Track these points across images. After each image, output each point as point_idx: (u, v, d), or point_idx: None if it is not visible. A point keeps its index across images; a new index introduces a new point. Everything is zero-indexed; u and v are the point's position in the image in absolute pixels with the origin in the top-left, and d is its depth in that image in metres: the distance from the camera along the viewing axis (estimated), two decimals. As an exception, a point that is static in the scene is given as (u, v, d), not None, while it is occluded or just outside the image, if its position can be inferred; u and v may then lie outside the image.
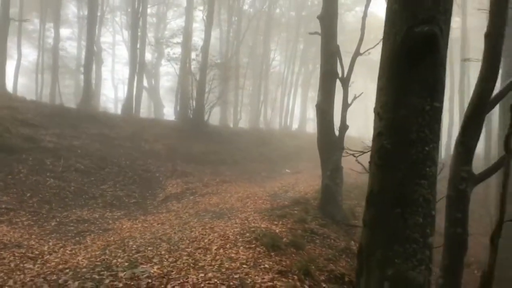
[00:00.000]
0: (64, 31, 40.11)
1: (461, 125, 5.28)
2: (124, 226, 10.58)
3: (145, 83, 37.05)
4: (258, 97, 36.39)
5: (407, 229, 3.93)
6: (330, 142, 11.23)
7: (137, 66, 26.31)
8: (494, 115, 17.52)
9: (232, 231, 8.76)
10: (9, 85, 24.98)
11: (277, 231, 8.86)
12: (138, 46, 26.75)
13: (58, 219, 10.67)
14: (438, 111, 4.10)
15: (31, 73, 38.96)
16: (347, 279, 6.98)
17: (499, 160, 5.45)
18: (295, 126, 41.27)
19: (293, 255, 7.43)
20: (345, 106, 11.43)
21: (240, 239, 7.99)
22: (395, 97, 4.12)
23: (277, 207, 11.80)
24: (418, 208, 3.95)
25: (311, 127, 44.32)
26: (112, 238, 9.01)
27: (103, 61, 35.40)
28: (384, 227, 4.03)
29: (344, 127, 11.33)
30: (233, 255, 6.95)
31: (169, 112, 38.91)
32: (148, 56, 37.09)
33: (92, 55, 23.45)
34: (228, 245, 7.57)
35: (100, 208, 12.53)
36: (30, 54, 42.35)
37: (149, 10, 37.99)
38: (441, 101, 4.13)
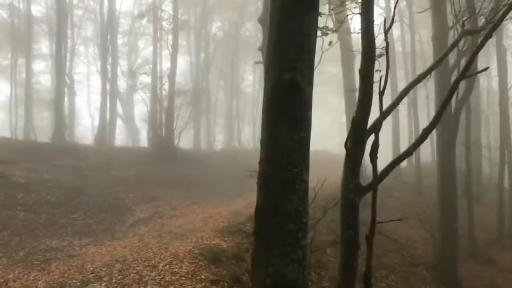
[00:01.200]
0: (38, 65, 40.91)
1: (346, 147, 6.33)
2: (89, 252, 11.38)
3: (120, 111, 38.01)
4: (230, 118, 37.51)
5: (282, 235, 4.93)
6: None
7: (108, 95, 27.24)
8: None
9: (184, 249, 9.66)
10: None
11: (224, 246, 9.79)
12: (109, 75, 27.77)
13: (27, 250, 11.45)
14: (305, 139, 5.15)
15: (7, 108, 39.69)
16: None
17: (381, 172, 6.51)
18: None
19: (232, 266, 8.37)
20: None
21: (188, 256, 8.91)
22: (270, 130, 5.18)
23: (233, 225, 12.72)
24: (291, 217, 4.96)
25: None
26: (75, 263, 9.83)
27: (75, 92, 36.19)
28: (266, 235, 5.03)
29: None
30: (176, 269, 7.87)
31: (145, 138, 39.78)
32: (123, 84, 38.05)
33: (61, 90, 24.48)
34: (175, 262, 8.48)
35: (69, 237, 13.32)
36: (5, 88, 43.15)
37: (120, 40, 39.23)
38: (307, 131, 5.17)
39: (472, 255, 15.85)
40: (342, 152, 6.65)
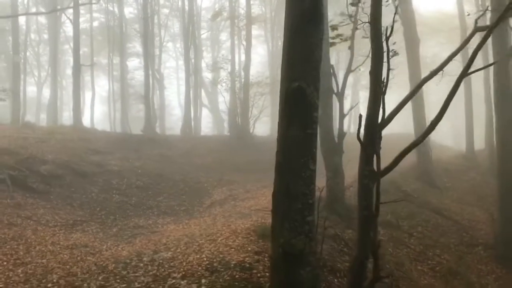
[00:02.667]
0: (132, 62, 44.79)
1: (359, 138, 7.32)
2: (169, 229, 13.34)
3: (206, 101, 40.68)
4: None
5: (291, 212, 6.19)
6: (329, 147, 13.30)
7: (191, 88, 29.62)
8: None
9: (243, 226, 11.15)
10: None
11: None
12: (192, 69, 30.12)
13: (119, 226, 13.74)
14: (310, 136, 6.33)
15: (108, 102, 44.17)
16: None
17: (394, 160, 7.41)
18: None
19: (279, 241, 9.69)
20: (342, 116, 13.45)
21: (244, 232, 10.37)
22: (283, 129, 6.42)
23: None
24: (298, 199, 6.20)
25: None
26: (154, 238, 11.78)
27: (165, 86, 39.31)
28: (280, 212, 6.32)
29: (342, 134, 13.34)
30: (230, 242, 9.37)
31: (229, 127, 42.16)
32: (209, 75, 40.32)
33: (149, 85, 27.07)
34: (231, 237, 9.98)
35: (155, 216, 15.51)
36: (105, 85, 47.91)
37: (204, 35, 41.79)
38: (312, 129, 6.34)
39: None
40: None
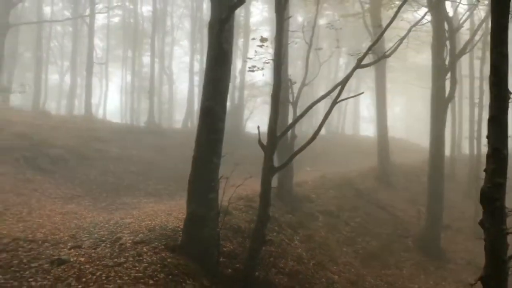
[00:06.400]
0: (148, 58, 47.97)
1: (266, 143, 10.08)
2: (148, 206, 16.30)
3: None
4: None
5: (198, 190, 9.05)
6: (282, 147, 16.05)
7: (194, 85, 32.60)
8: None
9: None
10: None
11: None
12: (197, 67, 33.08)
13: (108, 202, 16.77)
14: (216, 140, 9.19)
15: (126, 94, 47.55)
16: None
17: (288, 158, 10.17)
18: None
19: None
20: (294, 122, 16.18)
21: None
22: (198, 133, 9.28)
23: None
24: (203, 182, 9.06)
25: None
26: (131, 212, 14.76)
27: (174, 82, 42.46)
28: (191, 191, 9.19)
29: (293, 136, 16.06)
30: (180, 216, 12.25)
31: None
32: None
33: (153, 83, 30.28)
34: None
35: (141, 196, 18.50)
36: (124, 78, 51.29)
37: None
38: (217, 135, 9.18)
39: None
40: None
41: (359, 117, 47.74)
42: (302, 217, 15.36)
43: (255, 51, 11.46)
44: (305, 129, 33.23)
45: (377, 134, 22.28)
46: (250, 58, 11.80)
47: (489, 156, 4.20)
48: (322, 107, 41.59)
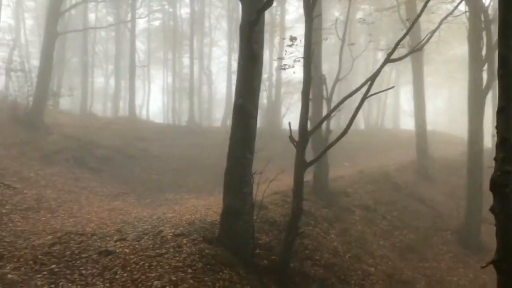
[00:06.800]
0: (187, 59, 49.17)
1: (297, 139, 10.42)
2: (189, 202, 17.02)
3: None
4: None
5: (232, 185, 9.52)
6: (317, 142, 16.33)
7: (232, 85, 33.22)
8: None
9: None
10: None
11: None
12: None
13: (152, 199, 17.62)
14: (249, 134, 9.61)
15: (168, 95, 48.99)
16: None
17: (319, 154, 10.47)
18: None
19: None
20: (328, 117, 16.38)
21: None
22: (232, 129, 9.76)
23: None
24: (236, 177, 9.53)
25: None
26: (173, 207, 15.47)
27: (213, 82, 43.36)
28: (226, 185, 9.67)
29: (328, 131, 16.28)
30: (219, 210, 12.81)
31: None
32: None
33: (193, 85, 31.18)
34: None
35: (183, 193, 19.26)
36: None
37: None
38: (250, 130, 9.61)
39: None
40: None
41: (399, 111, 46.99)
42: (338, 211, 15.56)
43: (285, 50, 11.83)
44: (344, 124, 33.15)
45: (415, 127, 22.08)
46: (281, 58, 12.15)
47: (498, 145, 4.42)
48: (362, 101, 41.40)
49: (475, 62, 15.74)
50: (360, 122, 42.93)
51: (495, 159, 4.51)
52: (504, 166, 4.34)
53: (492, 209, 4.63)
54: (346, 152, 30.36)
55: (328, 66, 32.01)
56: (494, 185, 4.51)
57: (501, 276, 4.61)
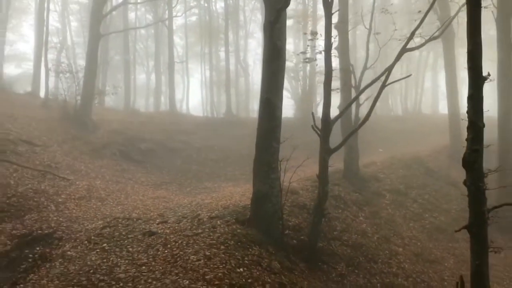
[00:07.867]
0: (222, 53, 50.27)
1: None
2: (226, 190, 18.07)
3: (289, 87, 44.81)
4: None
5: (261, 172, 10.43)
6: (347, 130, 16.96)
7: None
8: None
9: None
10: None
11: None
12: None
13: (192, 187, 18.83)
14: (276, 125, 10.47)
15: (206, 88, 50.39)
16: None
17: (342, 141, 11.18)
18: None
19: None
20: (357, 105, 16.94)
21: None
22: (259, 121, 10.65)
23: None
24: (264, 164, 10.42)
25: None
26: (212, 194, 16.55)
27: (249, 74, 44.21)
28: (255, 171, 10.59)
29: (357, 119, 16.88)
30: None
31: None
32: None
33: (229, 77, 32.19)
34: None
35: (221, 181, 20.38)
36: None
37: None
38: (276, 121, 10.46)
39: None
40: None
41: (438, 95, 46.28)
42: (368, 196, 16.19)
43: (308, 45, 12.55)
44: (379, 112, 33.35)
45: (448, 112, 22.20)
46: (304, 52, 12.92)
47: (468, 128, 5.11)
48: (398, 88, 41.38)
49: (502, 44, 15.88)
50: (398, 108, 42.77)
51: (466, 139, 5.21)
52: (473, 146, 5.04)
53: (464, 182, 5.35)
54: (381, 138, 30.67)
55: (359, 55, 32.22)
56: (465, 162, 5.21)
57: (472, 238, 5.36)
